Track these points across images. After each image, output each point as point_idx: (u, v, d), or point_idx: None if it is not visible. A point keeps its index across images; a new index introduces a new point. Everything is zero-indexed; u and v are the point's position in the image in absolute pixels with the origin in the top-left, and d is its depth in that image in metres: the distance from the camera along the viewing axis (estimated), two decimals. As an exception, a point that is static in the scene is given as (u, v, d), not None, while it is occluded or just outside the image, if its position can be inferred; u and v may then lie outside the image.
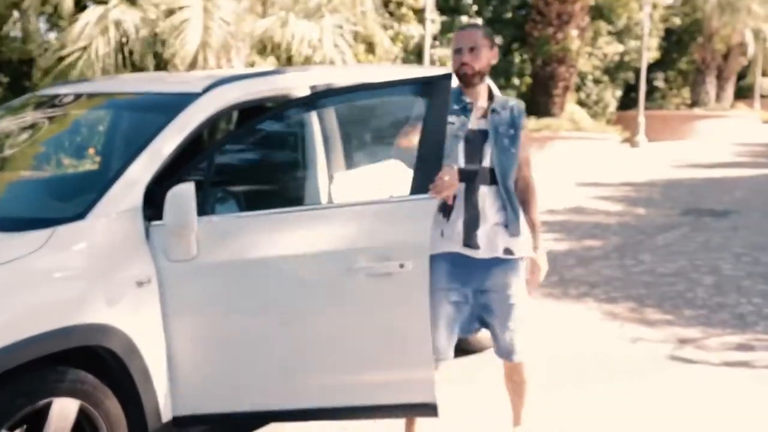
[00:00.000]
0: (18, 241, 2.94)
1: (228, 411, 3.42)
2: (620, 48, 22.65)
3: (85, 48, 8.85)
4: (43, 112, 4.23)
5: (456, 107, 3.48)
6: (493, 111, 3.49)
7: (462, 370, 4.74)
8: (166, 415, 3.22)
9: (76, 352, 2.95)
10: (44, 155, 4.38)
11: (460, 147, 3.43)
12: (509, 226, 3.45)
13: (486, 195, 3.43)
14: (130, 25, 9.02)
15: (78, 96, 4.28)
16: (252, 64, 10.98)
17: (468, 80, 3.45)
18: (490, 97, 3.55)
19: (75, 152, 4.76)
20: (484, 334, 4.85)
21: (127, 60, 9.25)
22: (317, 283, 3.38)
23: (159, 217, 3.21)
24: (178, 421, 3.28)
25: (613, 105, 23.97)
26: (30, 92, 9.73)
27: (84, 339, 2.96)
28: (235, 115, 3.95)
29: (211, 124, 3.65)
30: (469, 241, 3.43)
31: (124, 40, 9.11)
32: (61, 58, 8.94)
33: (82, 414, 2.94)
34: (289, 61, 10.90)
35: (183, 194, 3.11)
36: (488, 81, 3.57)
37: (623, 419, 4.24)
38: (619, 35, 22.70)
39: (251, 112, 4.05)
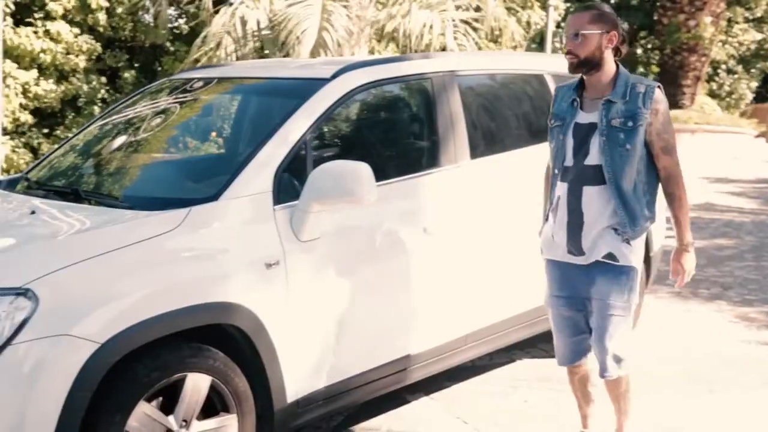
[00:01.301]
0: (155, 220, 3.05)
1: (342, 383, 3.50)
2: (758, 36, 21.52)
3: (217, 46, 9.14)
4: (177, 95, 4.38)
5: (564, 104, 3.23)
6: (608, 102, 3.11)
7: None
8: (291, 395, 3.28)
9: (207, 330, 3.03)
10: (177, 138, 4.53)
11: (569, 144, 3.17)
12: (621, 230, 3.12)
13: (592, 196, 3.12)
14: (253, 22, 9.24)
15: (209, 80, 4.40)
16: (372, 53, 11.06)
17: (573, 70, 3.15)
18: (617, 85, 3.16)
19: (205, 135, 4.90)
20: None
21: (253, 55, 9.48)
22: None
23: (287, 199, 3.27)
24: (302, 402, 3.33)
25: (748, 97, 22.82)
26: (160, 77, 10.20)
27: (215, 317, 3.04)
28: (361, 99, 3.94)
29: (339, 108, 3.66)
30: (573, 247, 3.20)
31: (250, 38, 9.34)
32: (195, 60, 9.25)
33: (212, 390, 3.03)
34: (408, 50, 10.90)
35: (329, 173, 3.22)
36: (613, 67, 3.17)
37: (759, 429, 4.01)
38: (757, 22, 21.58)
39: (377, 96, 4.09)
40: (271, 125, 3.45)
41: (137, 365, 2.79)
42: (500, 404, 4.18)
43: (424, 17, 10.56)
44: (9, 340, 2.55)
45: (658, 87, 3.12)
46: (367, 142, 4.05)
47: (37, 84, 9.65)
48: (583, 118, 3.15)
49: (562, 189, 3.17)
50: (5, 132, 9.18)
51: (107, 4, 10.30)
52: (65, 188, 3.74)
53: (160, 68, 11.14)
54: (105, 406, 2.72)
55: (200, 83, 4.36)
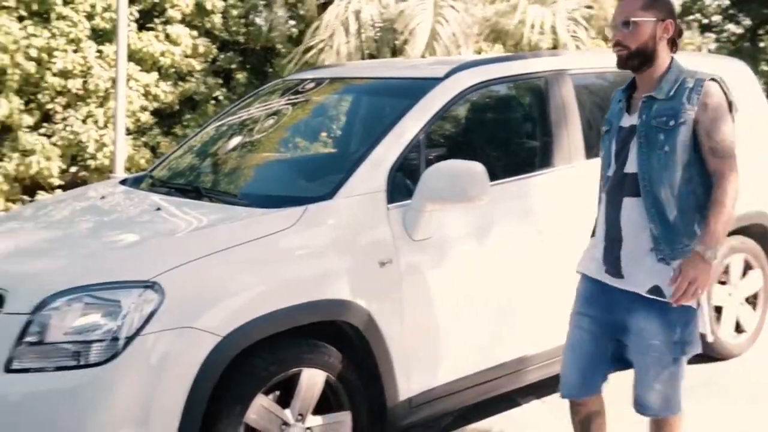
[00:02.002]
0: (273, 218, 3.13)
1: (454, 383, 3.50)
2: None
3: (330, 36, 9.28)
4: (290, 97, 4.48)
5: (615, 107, 2.86)
6: (649, 99, 2.69)
7: (700, 377, 4.29)
8: (404, 393, 3.30)
9: (322, 327, 3.09)
10: (291, 137, 4.63)
11: (612, 150, 2.78)
12: (656, 248, 2.66)
13: (630, 209, 2.70)
14: (367, 16, 9.34)
15: (321, 81, 4.49)
16: (479, 52, 10.99)
17: (622, 64, 2.73)
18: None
19: (318, 135, 4.99)
20: (729, 338, 4.58)
21: (364, 52, 9.59)
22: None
23: (400, 198, 3.30)
24: (414, 400, 3.35)
25: None
26: (271, 78, 10.45)
27: (330, 314, 3.09)
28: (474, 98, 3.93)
29: (452, 108, 3.66)
30: (610, 266, 2.77)
31: (362, 31, 9.44)
32: (307, 49, 9.44)
33: (327, 385, 3.09)
34: (517, 47, 10.77)
35: (443, 172, 3.20)
36: (667, 62, 2.73)
37: None
38: None
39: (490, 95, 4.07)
40: (384, 125, 3.49)
41: (256, 359, 2.88)
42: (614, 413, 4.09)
43: (534, 13, 10.42)
44: (138, 331, 2.67)
45: (712, 80, 2.66)
46: (480, 142, 4.03)
47: (157, 86, 10.06)
48: (627, 120, 2.76)
49: (603, 201, 2.82)
50: (128, 132, 9.60)
51: (223, 8, 10.62)
52: (187, 186, 3.88)
53: (271, 70, 11.41)
54: (225, 398, 2.81)
55: (312, 84, 4.46)
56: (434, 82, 3.59)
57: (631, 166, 2.70)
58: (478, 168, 3.16)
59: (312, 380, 3.02)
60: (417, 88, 3.59)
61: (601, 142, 2.89)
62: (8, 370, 2.70)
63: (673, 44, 2.75)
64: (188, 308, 2.76)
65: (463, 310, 3.49)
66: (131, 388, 2.68)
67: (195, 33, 10.49)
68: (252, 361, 2.86)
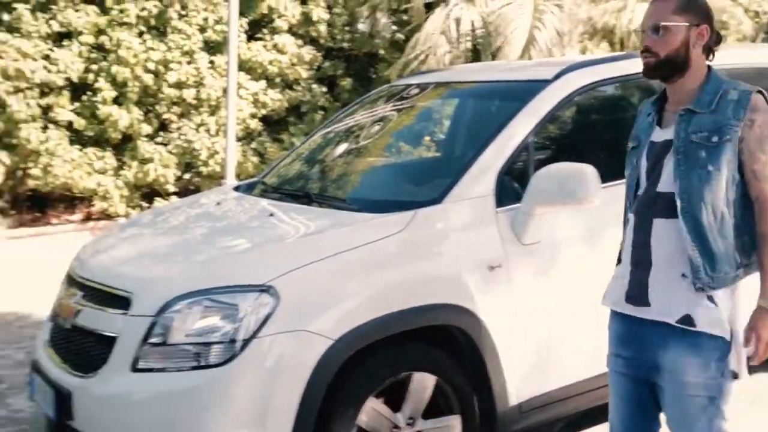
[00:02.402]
0: (382, 222, 3.16)
1: (565, 389, 3.45)
2: None
3: (429, 48, 9.32)
4: (395, 102, 4.52)
5: (643, 121, 2.57)
6: (687, 112, 2.39)
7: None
8: (514, 398, 3.28)
9: (432, 330, 3.10)
10: (397, 143, 4.68)
11: (642, 168, 2.49)
12: (694, 276, 2.35)
13: (661, 232, 2.41)
14: (468, 22, 9.32)
15: (426, 86, 4.51)
16: (584, 52, 10.77)
17: (649, 73, 2.45)
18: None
19: (425, 139, 5.01)
20: None
21: (467, 56, 9.57)
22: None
23: (508, 202, 3.28)
24: (525, 406, 3.32)
25: None
26: (374, 84, 10.56)
27: (440, 318, 3.11)
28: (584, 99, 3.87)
29: (561, 109, 3.62)
30: (636, 295, 2.47)
31: (461, 40, 9.42)
32: (409, 59, 9.50)
33: (437, 389, 3.10)
34: (623, 47, 10.51)
35: (555, 174, 3.16)
36: (703, 71, 2.43)
37: None
38: None
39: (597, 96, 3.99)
40: (492, 128, 3.48)
41: (368, 362, 2.92)
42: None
43: (642, 11, 10.15)
44: (254, 334, 2.76)
45: (759, 92, 2.37)
46: (590, 144, 3.96)
47: (265, 93, 10.33)
48: (659, 135, 2.46)
49: (631, 222, 2.50)
50: (237, 139, 9.90)
51: (328, 17, 10.81)
52: (298, 191, 3.98)
53: (374, 75, 11.53)
54: (338, 401, 2.86)
55: (417, 89, 4.49)
56: (543, 84, 3.55)
57: (666, 185, 2.40)
58: (588, 170, 3.11)
59: (422, 384, 3.04)
60: (525, 91, 3.57)
61: (627, 159, 2.58)
62: (134, 369, 2.84)
63: (710, 52, 2.46)
64: (302, 312, 2.83)
65: (574, 314, 3.42)
66: (248, 389, 2.77)
67: (300, 42, 10.73)
68: (364, 364, 2.91)
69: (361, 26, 11.70)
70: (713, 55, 2.47)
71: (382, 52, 11.37)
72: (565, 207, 3.23)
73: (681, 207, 2.35)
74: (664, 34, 2.38)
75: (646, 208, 2.44)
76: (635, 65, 3.83)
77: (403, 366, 3.00)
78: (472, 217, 3.24)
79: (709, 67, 2.45)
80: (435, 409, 3.13)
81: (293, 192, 3.99)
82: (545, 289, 3.35)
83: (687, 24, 2.38)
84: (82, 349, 3.12)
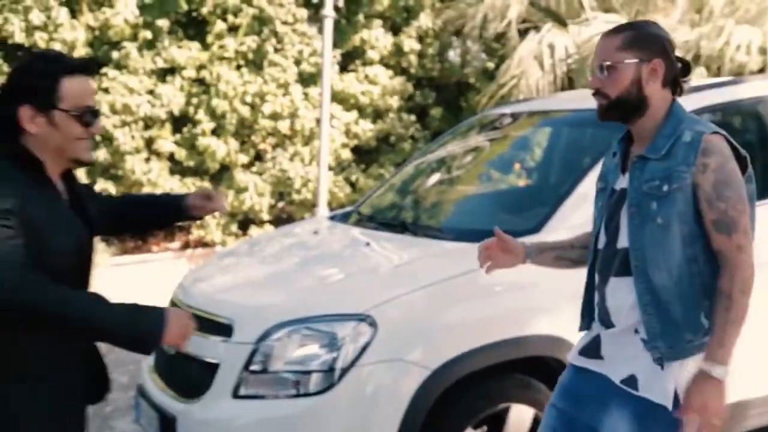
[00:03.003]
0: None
1: None
2: None
3: (522, 72, 9.28)
4: (489, 131, 4.52)
5: (609, 159, 2.37)
6: (641, 159, 2.17)
7: None
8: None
9: (530, 361, 3.07)
10: (491, 172, 4.67)
11: (604, 218, 2.29)
12: (651, 344, 2.12)
13: (618, 291, 2.19)
14: (561, 48, 9.26)
15: (519, 115, 4.49)
16: (683, 77, 10.52)
17: (602, 115, 2.24)
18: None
19: (519, 169, 4.99)
20: None
21: (559, 82, 9.50)
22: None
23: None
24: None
25: None
26: (465, 113, 10.59)
27: (537, 349, 3.07)
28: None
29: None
30: (590, 348, 2.30)
31: (556, 65, 9.35)
32: (501, 85, 9.50)
33: (536, 423, 3.05)
34: (720, 71, 10.22)
35: None
36: (664, 110, 2.18)
37: None
38: None
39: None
40: (591, 156, 3.43)
41: (465, 393, 2.90)
42: None
43: (742, 34, 9.85)
44: (353, 363, 2.79)
45: (714, 134, 2.10)
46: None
47: (356, 124, 10.48)
48: (621, 182, 2.24)
49: (593, 277, 2.31)
50: (329, 168, 10.06)
51: (419, 47, 10.92)
52: (393, 221, 4.01)
53: (464, 104, 11.55)
54: (436, 431, 2.85)
55: (510, 118, 4.47)
56: (643, 111, 3.49)
57: (623, 241, 2.18)
58: None
59: (521, 416, 3.01)
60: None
61: (595, 202, 2.40)
62: (236, 395, 2.90)
63: (675, 86, 2.21)
64: (400, 341, 2.85)
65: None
66: (346, 418, 2.79)
67: (391, 72, 10.85)
68: (462, 395, 2.90)
69: (452, 55, 11.76)
70: (680, 88, 2.22)
71: (472, 80, 11.39)
72: None
73: (634, 266, 2.13)
74: (611, 73, 2.16)
75: (606, 266, 2.23)
76: (742, 91, 3.78)
77: (501, 398, 2.98)
78: (571, 247, 3.19)
79: (672, 104, 2.20)
80: (534, 442, 3.08)
81: (388, 221, 4.02)
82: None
83: (636, 60, 2.14)
84: (186, 374, 3.22)
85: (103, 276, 8.23)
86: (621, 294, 2.18)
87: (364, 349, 2.80)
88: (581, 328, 2.37)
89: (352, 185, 10.79)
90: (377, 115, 10.82)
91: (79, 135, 2.06)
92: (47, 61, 2.05)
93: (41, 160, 2.04)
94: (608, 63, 2.16)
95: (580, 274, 3.11)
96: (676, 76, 2.21)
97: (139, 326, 1.98)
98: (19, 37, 8.80)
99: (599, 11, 9.63)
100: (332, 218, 4.43)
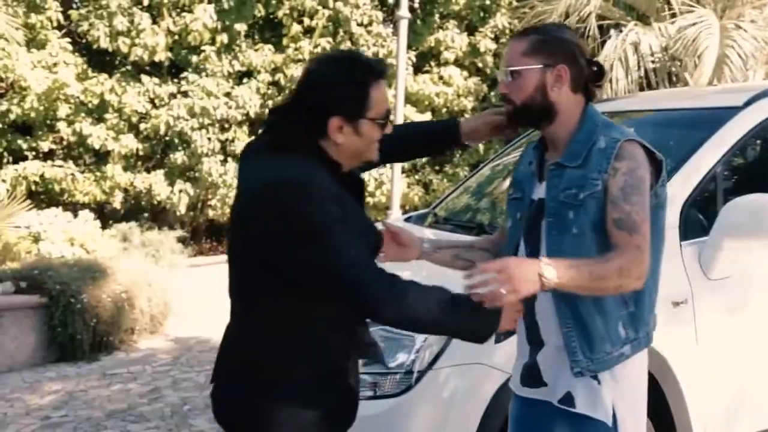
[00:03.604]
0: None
1: None
2: None
3: (608, 69, 9.11)
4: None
5: (524, 168, 2.28)
6: (557, 167, 2.12)
7: None
8: (700, 442, 3.09)
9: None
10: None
11: (522, 229, 2.21)
12: (571, 357, 2.08)
13: (545, 307, 2.15)
14: (646, 47, 9.04)
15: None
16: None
17: (510, 122, 2.21)
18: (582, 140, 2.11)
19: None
20: None
21: (642, 81, 9.30)
22: None
23: (694, 235, 3.13)
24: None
25: None
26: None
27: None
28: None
29: (752, 138, 3.42)
30: (530, 375, 2.23)
31: (641, 63, 9.14)
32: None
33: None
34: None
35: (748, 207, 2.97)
36: (576, 116, 2.13)
37: None
38: None
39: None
40: (676, 158, 3.33)
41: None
42: None
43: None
44: (430, 365, 2.77)
45: (629, 141, 2.05)
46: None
47: (430, 125, 10.49)
48: (538, 191, 2.18)
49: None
50: (403, 170, 10.06)
51: (495, 47, 10.84)
52: (469, 222, 3.97)
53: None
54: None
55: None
56: (732, 111, 3.37)
57: (544, 252, 2.10)
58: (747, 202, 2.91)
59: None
60: (711, 119, 3.40)
61: (507, 211, 2.31)
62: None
63: (586, 92, 2.15)
64: (472, 346, 2.80)
65: (766, 355, 3.21)
66: (424, 421, 2.77)
67: (466, 73, 10.80)
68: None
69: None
70: (592, 94, 2.16)
71: (548, 80, 11.28)
72: (758, 241, 3.03)
73: None
74: (516, 78, 2.11)
75: None
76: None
77: (578, 403, 2.90)
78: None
79: (585, 110, 2.14)
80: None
81: (465, 223, 3.98)
82: (735, 328, 3.16)
83: (540, 66, 2.09)
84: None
85: (180, 276, 8.42)
86: (550, 311, 2.14)
87: (441, 351, 2.78)
88: (496, 341, 2.34)
89: (426, 187, 10.77)
90: (451, 116, 10.78)
91: (375, 141, 2.02)
92: (357, 71, 1.96)
93: (339, 163, 2.01)
94: (513, 68, 2.12)
95: (667, 280, 3.04)
96: (588, 81, 2.15)
97: (479, 318, 1.94)
98: (104, 43, 9.07)
99: (686, 6, 9.35)
100: (407, 220, 4.41)
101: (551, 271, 1.89)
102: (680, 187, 3.17)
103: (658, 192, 2.10)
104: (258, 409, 1.96)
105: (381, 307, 1.87)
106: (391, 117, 2.05)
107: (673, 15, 9.54)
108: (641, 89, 9.25)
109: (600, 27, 9.83)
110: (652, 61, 9.31)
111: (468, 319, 1.94)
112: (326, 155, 1.98)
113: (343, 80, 1.95)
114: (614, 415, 2.08)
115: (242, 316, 2.04)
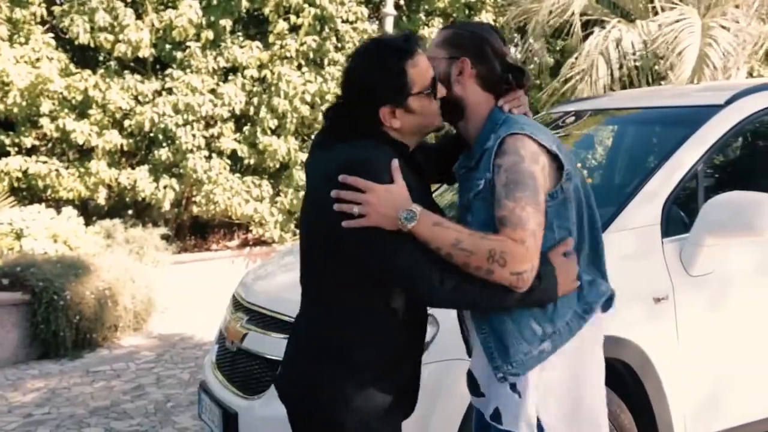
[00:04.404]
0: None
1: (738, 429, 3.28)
2: None
3: (590, 66, 9.14)
4: (552, 129, 4.44)
5: (459, 168, 2.24)
6: (464, 170, 2.15)
7: None
8: (680, 436, 3.13)
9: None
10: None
11: None
12: (493, 366, 2.06)
13: (467, 312, 2.20)
14: (628, 44, 9.08)
15: (583, 113, 4.41)
16: (751, 73, 10.25)
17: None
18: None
19: (584, 167, 4.91)
20: None
21: (624, 78, 9.34)
22: None
23: (676, 232, 3.16)
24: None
25: None
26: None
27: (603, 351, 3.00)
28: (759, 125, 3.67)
29: (733, 136, 3.45)
30: (470, 382, 2.24)
31: (623, 59, 9.18)
32: (565, 80, 9.38)
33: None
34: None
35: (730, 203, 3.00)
36: (484, 112, 2.12)
37: None
38: None
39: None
40: (658, 156, 3.36)
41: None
42: None
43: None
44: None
45: (513, 135, 1.98)
46: (766, 172, 3.75)
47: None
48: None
49: None
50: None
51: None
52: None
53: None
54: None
55: (573, 117, 4.40)
56: (713, 109, 3.40)
57: None
58: (765, 200, 2.94)
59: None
60: (694, 117, 3.43)
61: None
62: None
63: (492, 86, 2.11)
64: (459, 340, 2.81)
65: (746, 351, 3.25)
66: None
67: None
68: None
69: (513, 52, 11.67)
70: (497, 90, 2.11)
71: (534, 77, 11.29)
72: (738, 238, 3.06)
73: None
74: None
75: None
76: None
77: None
78: (637, 246, 3.13)
79: (492, 110, 2.11)
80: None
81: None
82: (715, 324, 3.19)
83: (446, 57, 2.11)
84: (248, 371, 3.24)
85: (164, 273, 8.39)
86: (468, 315, 2.16)
87: (426, 347, 2.77)
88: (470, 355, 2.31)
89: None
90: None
91: (434, 109, 2.05)
92: (388, 59, 1.99)
93: (406, 144, 2.06)
94: (429, 56, 2.10)
95: (649, 276, 3.07)
96: (498, 81, 2.11)
97: (537, 290, 1.95)
98: (84, 39, 9.01)
99: (669, 3, 9.40)
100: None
101: (412, 216, 1.88)
102: (662, 184, 3.20)
103: (564, 187, 2.03)
104: (324, 389, 2.00)
105: (435, 299, 1.95)
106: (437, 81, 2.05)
107: (657, 13, 9.59)
108: (623, 87, 9.29)
109: (586, 24, 9.88)
110: (635, 59, 9.35)
111: (527, 294, 1.94)
112: (390, 138, 2.03)
113: (379, 72, 1.99)
114: (542, 425, 2.03)
115: (308, 298, 2.12)
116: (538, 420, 2.03)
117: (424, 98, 2.02)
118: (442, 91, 2.07)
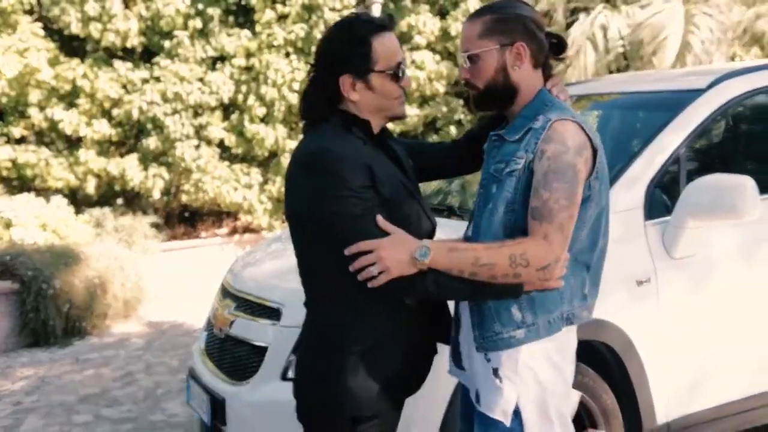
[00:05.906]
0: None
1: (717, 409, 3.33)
2: None
3: (576, 53, 9.18)
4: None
5: (491, 141, 2.22)
6: (498, 139, 2.10)
7: None
8: (662, 416, 3.17)
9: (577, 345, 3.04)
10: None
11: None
12: (474, 336, 2.07)
13: None
14: (614, 30, 9.12)
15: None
16: (733, 58, 10.29)
17: (478, 108, 2.13)
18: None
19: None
20: None
21: (611, 64, 9.37)
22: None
23: (658, 215, 3.19)
24: (673, 425, 3.21)
25: None
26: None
27: (586, 333, 3.00)
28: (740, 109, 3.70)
29: (715, 120, 3.47)
30: (454, 352, 2.23)
31: (609, 46, 9.22)
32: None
33: (582, 405, 3.03)
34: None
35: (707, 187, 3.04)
36: (534, 92, 2.08)
37: None
38: None
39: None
40: (641, 140, 3.39)
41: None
42: None
43: (800, 13, 9.59)
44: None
45: (562, 121, 1.96)
46: (747, 155, 3.78)
47: (404, 110, 10.51)
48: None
49: None
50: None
51: (466, 31, 10.87)
52: (440, 206, 4.01)
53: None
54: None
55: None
56: (695, 93, 3.43)
57: (470, 228, 2.13)
58: (746, 182, 2.97)
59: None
60: (676, 101, 3.45)
61: None
62: (284, 378, 2.94)
63: (545, 66, 2.09)
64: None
65: (727, 332, 3.29)
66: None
67: (438, 57, 10.81)
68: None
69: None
70: (549, 68, 2.09)
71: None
72: (719, 220, 3.10)
73: None
74: (475, 62, 2.05)
75: None
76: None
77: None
78: (620, 230, 3.13)
79: (543, 87, 2.09)
80: (579, 425, 3.06)
81: (435, 206, 4.01)
82: (697, 306, 3.23)
83: (497, 46, 2.03)
84: (236, 357, 3.27)
85: (153, 261, 8.40)
86: None
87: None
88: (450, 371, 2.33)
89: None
90: (424, 99, 10.79)
91: (396, 93, 2.08)
92: (355, 27, 2.05)
93: (367, 120, 2.08)
94: (471, 52, 2.06)
95: (631, 259, 3.11)
96: (547, 55, 2.09)
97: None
98: (75, 28, 8.97)
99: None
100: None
101: (425, 252, 1.88)
102: (645, 167, 3.23)
103: (591, 184, 2.00)
104: (323, 372, 2.03)
105: (402, 294, 1.99)
106: (404, 67, 2.08)
107: (641, -2, 9.62)
108: (610, 72, 9.33)
109: (572, 11, 9.89)
110: (622, 45, 9.39)
111: (503, 285, 1.95)
112: (353, 116, 2.06)
113: (345, 38, 2.04)
114: (519, 414, 2.02)
115: (305, 287, 2.14)
116: (519, 407, 2.02)
117: (387, 79, 2.05)
118: (406, 81, 2.08)
